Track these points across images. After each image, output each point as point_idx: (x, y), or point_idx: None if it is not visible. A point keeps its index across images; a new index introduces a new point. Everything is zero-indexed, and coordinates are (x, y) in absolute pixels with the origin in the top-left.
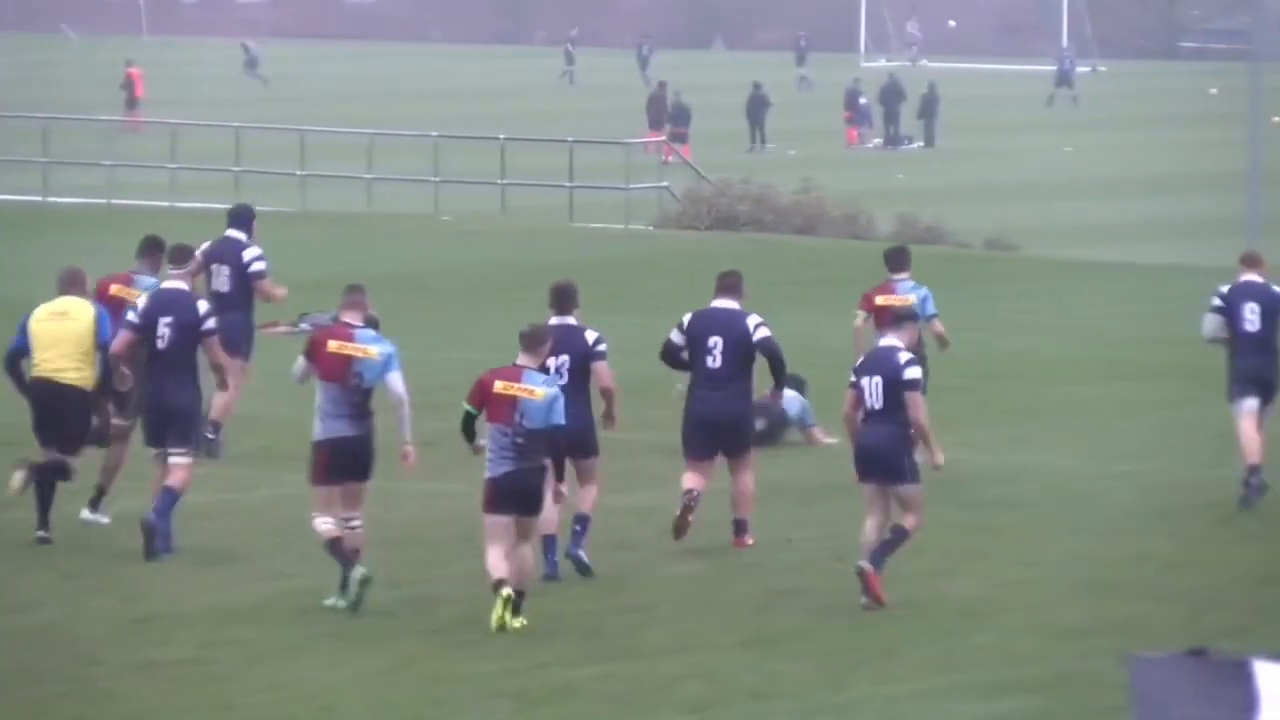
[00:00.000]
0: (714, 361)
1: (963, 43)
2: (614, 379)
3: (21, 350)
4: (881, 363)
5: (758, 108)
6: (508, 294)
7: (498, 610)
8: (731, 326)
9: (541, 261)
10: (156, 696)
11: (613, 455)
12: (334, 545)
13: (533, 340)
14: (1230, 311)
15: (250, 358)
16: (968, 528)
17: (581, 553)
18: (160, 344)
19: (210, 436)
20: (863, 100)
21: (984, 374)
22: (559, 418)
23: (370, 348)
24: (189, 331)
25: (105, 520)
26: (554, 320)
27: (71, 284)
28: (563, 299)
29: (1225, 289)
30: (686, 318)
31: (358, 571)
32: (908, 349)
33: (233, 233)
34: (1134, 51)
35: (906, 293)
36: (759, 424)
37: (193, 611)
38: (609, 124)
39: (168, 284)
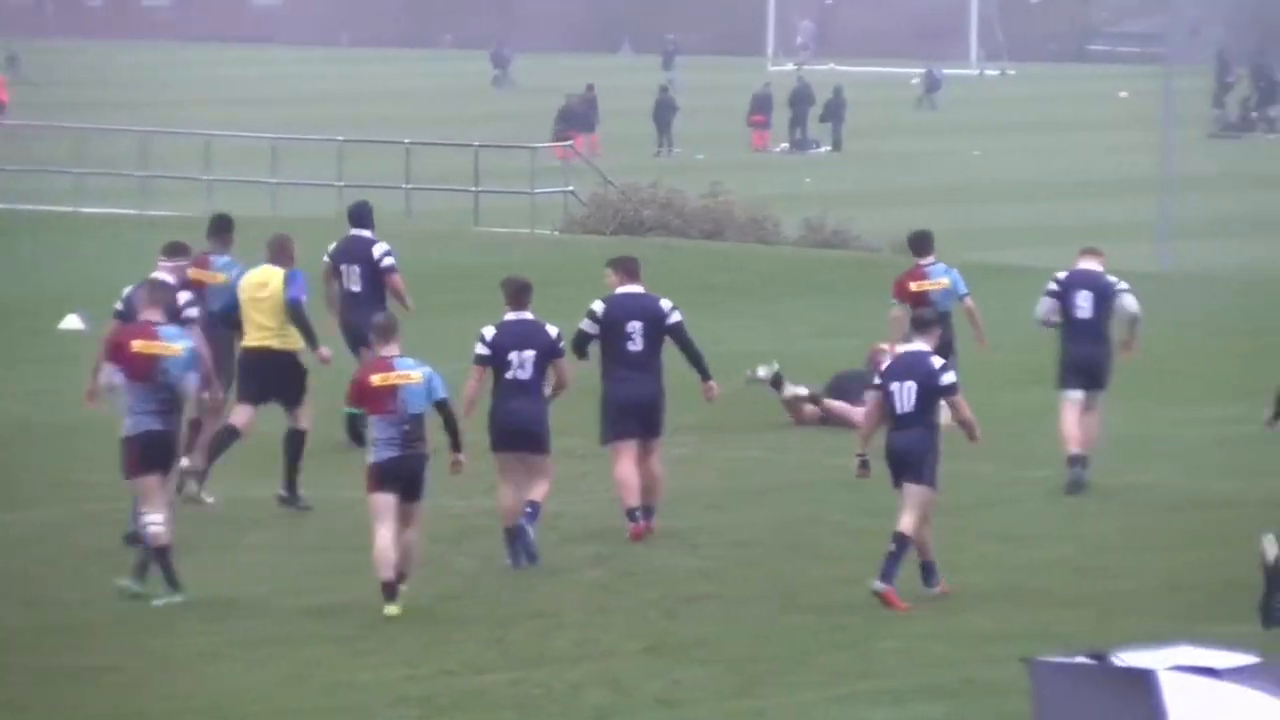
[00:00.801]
0: (634, 345)
1: (876, 46)
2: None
3: (231, 310)
4: (913, 367)
5: (665, 111)
6: (414, 298)
7: (391, 609)
8: (648, 309)
9: (446, 266)
10: (62, 705)
11: None
12: (163, 554)
13: (387, 330)
14: (1064, 298)
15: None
16: (877, 533)
17: (529, 530)
18: None
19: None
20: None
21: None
22: (440, 393)
23: (174, 344)
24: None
25: (210, 500)
26: (511, 316)
27: (278, 253)
28: (519, 294)
29: (1062, 275)
30: (599, 306)
31: (178, 597)
32: (935, 352)
33: (358, 231)
34: (1044, 54)
35: (939, 276)
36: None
37: (102, 619)
38: (514, 128)
39: (154, 275)
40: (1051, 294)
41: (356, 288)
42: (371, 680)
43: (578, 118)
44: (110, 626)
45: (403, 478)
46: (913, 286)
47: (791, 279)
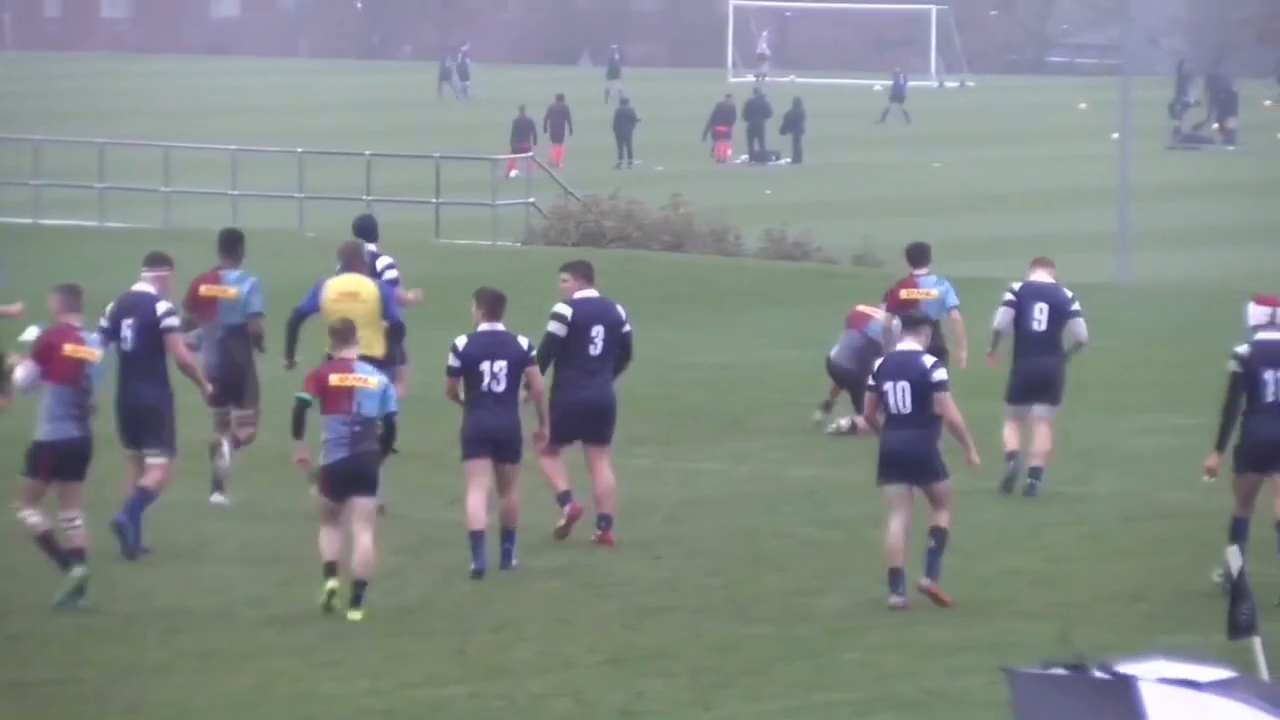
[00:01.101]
0: (595, 349)
1: (834, 58)
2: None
3: (308, 312)
4: (906, 367)
5: (625, 123)
6: None
7: (326, 590)
8: (609, 314)
9: (407, 278)
10: (21, 718)
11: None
12: (46, 540)
13: (345, 334)
14: (1019, 309)
15: (407, 362)
16: (834, 545)
17: (514, 563)
18: (124, 346)
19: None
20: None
21: None
22: (392, 405)
23: (97, 350)
24: (150, 333)
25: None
26: (484, 327)
27: (353, 259)
28: (494, 305)
29: (1017, 286)
30: (567, 310)
31: (77, 570)
32: (927, 351)
33: (365, 246)
34: (1003, 66)
35: (930, 286)
36: None
37: (59, 630)
38: (474, 139)
39: (135, 286)
40: (1008, 304)
41: None
42: (333, 692)
43: (531, 130)
44: (69, 637)
45: (353, 477)
46: (903, 294)
47: (752, 290)
